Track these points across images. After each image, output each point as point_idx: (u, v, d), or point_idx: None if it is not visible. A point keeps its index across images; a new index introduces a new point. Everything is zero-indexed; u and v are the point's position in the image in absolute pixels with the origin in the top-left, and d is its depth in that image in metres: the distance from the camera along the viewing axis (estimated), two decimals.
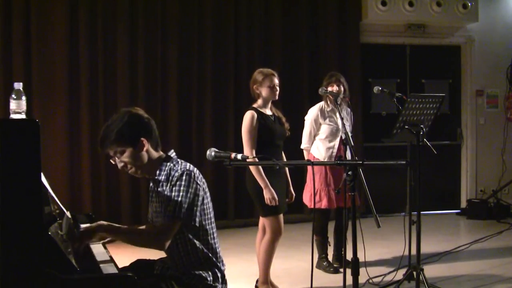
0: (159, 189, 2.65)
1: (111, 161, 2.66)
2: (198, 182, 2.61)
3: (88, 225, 2.54)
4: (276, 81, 4.23)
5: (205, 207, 2.66)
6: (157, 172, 2.65)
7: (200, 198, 2.62)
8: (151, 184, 2.74)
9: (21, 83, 2.36)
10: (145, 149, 2.60)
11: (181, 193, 2.54)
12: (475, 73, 8.00)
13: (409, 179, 4.26)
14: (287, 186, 4.38)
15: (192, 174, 2.60)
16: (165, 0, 6.70)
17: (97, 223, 2.55)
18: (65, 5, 6.31)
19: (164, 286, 2.54)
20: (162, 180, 2.63)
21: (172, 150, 2.74)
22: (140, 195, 6.59)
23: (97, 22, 6.44)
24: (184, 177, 2.56)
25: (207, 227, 2.67)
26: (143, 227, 2.96)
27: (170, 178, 2.59)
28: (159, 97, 6.69)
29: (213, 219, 2.72)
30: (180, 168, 2.60)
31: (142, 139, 2.59)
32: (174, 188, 2.55)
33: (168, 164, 2.65)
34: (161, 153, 2.70)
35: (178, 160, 2.69)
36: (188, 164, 2.66)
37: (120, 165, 2.62)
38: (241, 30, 7.01)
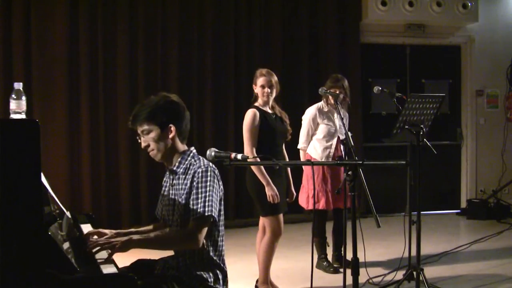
0: (174, 181, 2.67)
1: (138, 139, 2.70)
2: (219, 181, 2.65)
3: (119, 239, 2.50)
4: (268, 82, 4.19)
5: (221, 207, 2.68)
6: (176, 163, 2.67)
7: (219, 197, 2.65)
8: (165, 177, 2.75)
9: (21, 83, 2.37)
10: (171, 135, 2.65)
11: (209, 189, 2.56)
12: (475, 73, 8.00)
13: (409, 179, 4.26)
14: (288, 185, 4.39)
15: (216, 172, 2.64)
16: (165, 0, 6.70)
17: (128, 237, 2.53)
18: (65, 5, 6.31)
19: (164, 287, 2.54)
20: (180, 172, 2.66)
21: (193, 147, 2.77)
22: (140, 195, 6.59)
23: (97, 22, 6.44)
24: (209, 173, 2.60)
25: (219, 228, 2.69)
26: (149, 226, 2.97)
27: (192, 172, 2.61)
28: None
29: (223, 221, 2.74)
30: (204, 165, 2.63)
31: (171, 125, 2.64)
32: (201, 185, 2.57)
33: (189, 158, 2.69)
34: (186, 147, 2.74)
35: (199, 156, 2.72)
36: (209, 162, 2.67)
37: (143, 144, 2.67)
38: (241, 30, 7.01)
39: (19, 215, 2.07)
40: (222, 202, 2.70)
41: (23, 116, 2.32)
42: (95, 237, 2.64)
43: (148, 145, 2.66)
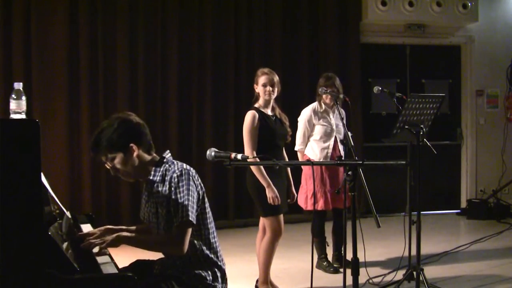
0: (153, 190, 2.66)
1: (106, 166, 2.68)
2: (195, 181, 2.64)
3: (109, 237, 2.55)
4: (271, 80, 4.19)
5: (205, 205, 2.68)
6: (152, 173, 2.66)
7: (200, 197, 2.64)
8: (144, 186, 2.75)
9: (21, 83, 2.37)
10: (135, 154, 2.62)
11: (184, 193, 2.55)
12: (475, 73, 8.00)
13: (409, 179, 4.26)
14: (289, 186, 4.38)
15: (190, 172, 2.62)
16: (165, 0, 6.70)
17: (117, 235, 2.57)
18: (65, 5, 6.31)
19: (163, 286, 2.54)
20: (157, 180, 2.64)
21: (168, 151, 2.75)
22: (140, 195, 6.57)
23: (97, 22, 6.44)
24: (184, 177, 2.58)
25: (209, 226, 2.69)
26: (132, 227, 2.98)
27: (168, 179, 2.60)
28: (159, 97, 6.69)
29: (212, 218, 2.73)
30: (178, 168, 2.61)
31: (132, 144, 2.61)
32: (178, 190, 2.56)
33: (163, 165, 2.67)
34: (155, 155, 2.72)
35: (174, 161, 2.70)
36: (183, 164, 2.67)
37: (112, 171, 2.66)
38: (241, 31, 7.01)
39: (19, 215, 2.07)
40: (206, 200, 2.70)
41: (23, 116, 2.32)
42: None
43: (117, 170, 2.65)
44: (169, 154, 2.74)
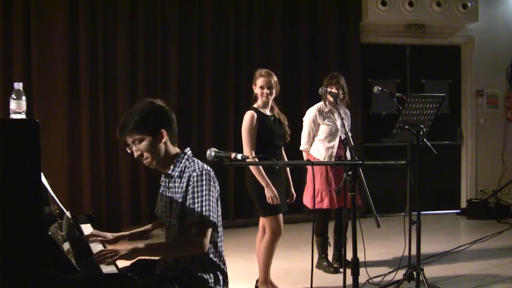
0: (170, 184, 2.65)
1: (127, 149, 2.66)
2: (215, 182, 2.63)
3: (124, 250, 2.43)
4: (268, 82, 4.19)
5: (218, 209, 2.67)
6: (171, 167, 2.65)
7: (216, 200, 2.63)
8: (162, 178, 2.75)
9: (21, 83, 2.37)
10: (163, 140, 2.62)
11: (205, 193, 2.54)
12: (475, 73, 8.00)
13: (409, 179, 4.26)
14: (288, 186, 4.39)
15: (211, 174, 2.62)
16: (165, 0, 6.70)
17: (133, 248, 2.45)
18: (65, 5, 6.31)
19: (165, 287, 2.53)
20: (175, 176, 2.64)
21: (188, 148, 2.74)
22: (140, 195, 6.58)
23: (97, 22, 6.44)
24: (205, 177, 2.58)
25: (218, 229, 2.68)
26: (147, 226, 2.97)
27: (187, 176, 2.59)
28: (159, 97, 6.66)
29: (221, 222, 2.73)
30: (198, 168, 2.60)
31: (162, 130, 2.61)
32: (196, 189, 2.55)
33: (183, 161, 2.66)
34: (178, 149, 2.72)
35: (194, 158, 2.69)
36: (203, 164, 2.66)
37: (136, 153, 2.63)
38: (241, 30, 7.01)
39: (19, 215, 2.07)
40: (219, 203, 2.69)
41: (23, 116, 2.32)
42: (98, 238, 2.65)
43: (142, 154, 2.61)
44: (190, 151, 2.73)
